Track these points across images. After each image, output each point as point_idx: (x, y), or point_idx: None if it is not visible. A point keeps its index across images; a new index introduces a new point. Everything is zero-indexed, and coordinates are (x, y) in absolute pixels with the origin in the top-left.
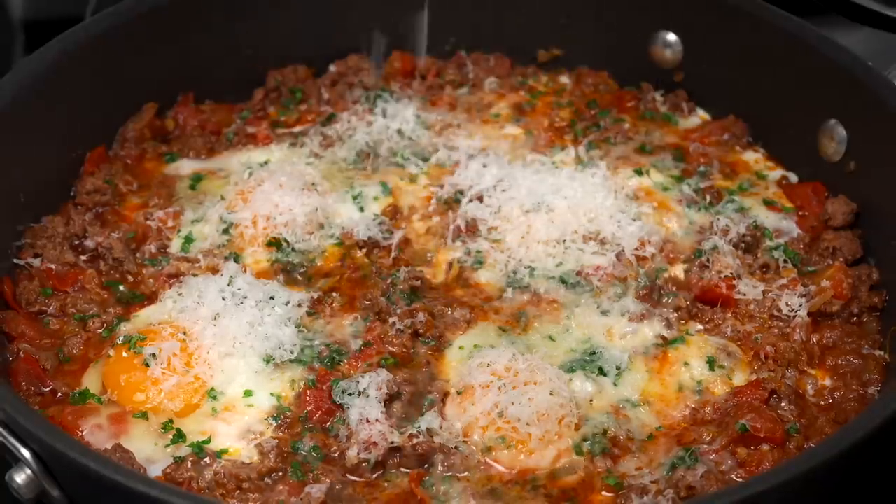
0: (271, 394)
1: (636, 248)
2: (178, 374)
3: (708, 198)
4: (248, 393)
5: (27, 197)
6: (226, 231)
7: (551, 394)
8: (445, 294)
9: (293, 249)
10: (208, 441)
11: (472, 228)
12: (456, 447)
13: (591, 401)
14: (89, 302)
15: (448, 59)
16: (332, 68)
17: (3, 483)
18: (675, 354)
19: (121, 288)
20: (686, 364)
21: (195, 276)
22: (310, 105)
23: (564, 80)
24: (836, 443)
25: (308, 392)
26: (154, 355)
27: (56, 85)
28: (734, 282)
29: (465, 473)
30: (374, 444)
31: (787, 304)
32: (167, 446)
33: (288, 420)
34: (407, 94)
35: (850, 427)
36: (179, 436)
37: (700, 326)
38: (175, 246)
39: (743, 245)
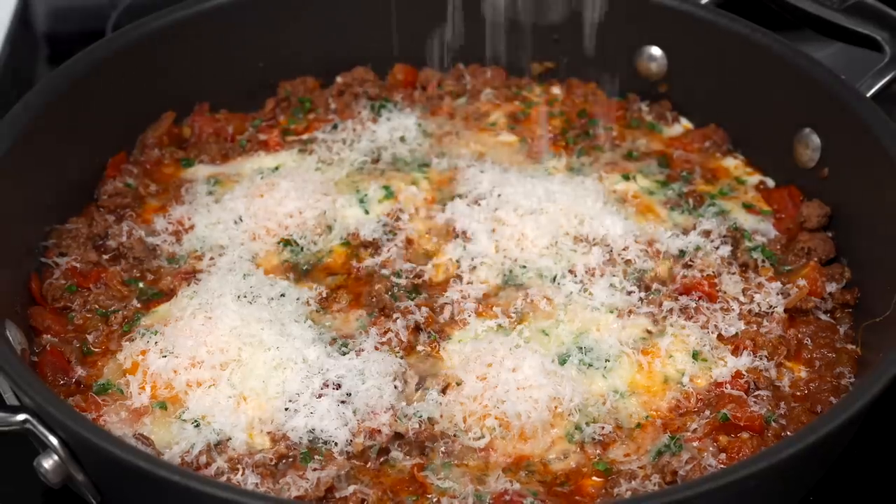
0: (284, 383)
1: (624, 249)
2: (196, 366)
3: (691, 201)
4: (261, 383)
5: (53, 199)
6: (239, 232)
7: (545, 385)
8: (445, 291)
9: (303, 249)
10: (223, 429)
11: (469, 229)
12: (455, 435)
13: (582, 392)
14: (111, 298)
15: (447, 71)
16: (339, 79)
17: (32, 468)
18: (661, 348)
19: (140, 285)
20: (671, 357)
21: (210, 274)
22: (318, 114)
23: (556, 91)
24: (812, 431)
25: None
26: (172, 348)
27: (80, 96)
28: (715, 280)
29: (464, 460)
30: (378, 431)
31: (765, 301)
32: (184, 434)
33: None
34: (408, 103)
35: (826, 416)
36: (196, 424)
37: (684, 322)
38: (191, 245)
39: (724, 246)
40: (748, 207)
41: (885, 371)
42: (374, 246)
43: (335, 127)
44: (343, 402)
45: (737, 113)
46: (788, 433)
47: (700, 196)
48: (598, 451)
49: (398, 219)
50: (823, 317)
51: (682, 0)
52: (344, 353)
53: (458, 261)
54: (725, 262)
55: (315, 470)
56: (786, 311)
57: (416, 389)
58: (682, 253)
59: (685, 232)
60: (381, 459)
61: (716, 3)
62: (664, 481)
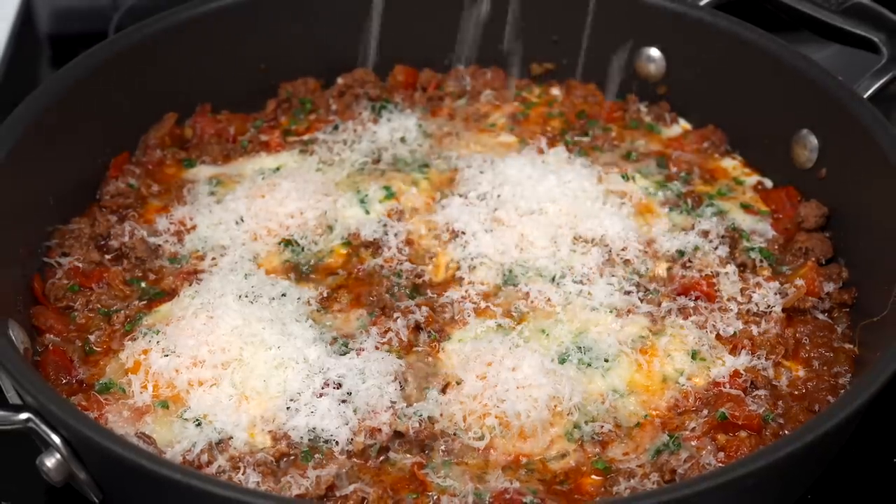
0: (285, 382)
1: (622, 249)
2: (197, 365)
3: (689, 202)
4: (262, 382)
5: (56, 200)
6: (240, 232)
7: (544, 384)
8: (445, 290)
9: (304, 250)
10: (224, 428)
11: (469, 230)
12: (455, 434)
13: (581, 391)
14: (113, 298)
15: (447, 72)
16: (340, 80)
17: (34, 467)
18: (659, 347)
19: (143, 285)
20: (669, 356)
21: (212, 274)
22: (319, 115)
23: (555, 92)
24: (810, 430)
25: None
26: (174, 347)
27: (83, 97)
28: (714, 280)
29: (464, 459)
30: (379, 430)
31: (763, 301)
32: (186, 432)
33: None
34: (409, 104)
35: (823, 415)
36: (198, 423)
37: (682, 321)
38: (193, 246)
39: (722, 246)
40: (746, 208)
41: (882, 370)
42: (374, 246)
43: (336, 128)
44: (344, 401)
45: (735, 114)
46: (786, 432)
47: (698, 196)
48: (597, 450)
49: (399, 219)
50: (821, 316)
51: (680, 2)
52: (344, 353)
53: (458, 261)
54: (724, 262)
55: (316, 468)
56: (784, 310)
57: (417, 388)
58: (680, 253)
59: (684, 232)
60: (382, 458)
61: (714, 5)
62: (663, 480)
